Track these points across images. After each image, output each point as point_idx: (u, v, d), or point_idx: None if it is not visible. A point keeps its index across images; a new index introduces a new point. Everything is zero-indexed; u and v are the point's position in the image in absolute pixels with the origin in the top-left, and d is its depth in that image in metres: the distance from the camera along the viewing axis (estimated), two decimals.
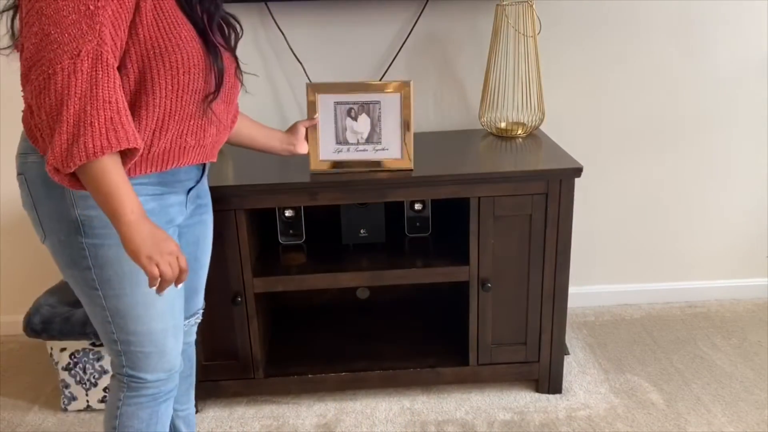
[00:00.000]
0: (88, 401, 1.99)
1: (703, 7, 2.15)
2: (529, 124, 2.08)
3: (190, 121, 1.22)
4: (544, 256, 1.85)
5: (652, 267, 2.46)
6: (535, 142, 2.05)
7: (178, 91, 1.16)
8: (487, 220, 1.81)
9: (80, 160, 1.02)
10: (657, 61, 2.21)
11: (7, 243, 2.29)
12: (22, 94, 1.11)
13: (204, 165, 1.39)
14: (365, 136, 1.77)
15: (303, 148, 1.71)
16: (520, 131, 2.08)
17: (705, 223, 2.41)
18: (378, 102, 1.75)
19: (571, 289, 1.92)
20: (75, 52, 1.02)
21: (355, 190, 1.78)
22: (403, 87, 1.74)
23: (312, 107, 1.76)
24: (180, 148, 1.23)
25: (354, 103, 1.75)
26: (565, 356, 2.01)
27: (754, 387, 2.01)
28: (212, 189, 1.74)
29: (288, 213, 2.05)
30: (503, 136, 2.10)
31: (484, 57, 2.10)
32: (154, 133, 1.17)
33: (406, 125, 1.76)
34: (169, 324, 1.30)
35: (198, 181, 1.37)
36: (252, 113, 2.21)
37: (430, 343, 2.08)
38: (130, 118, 1.08)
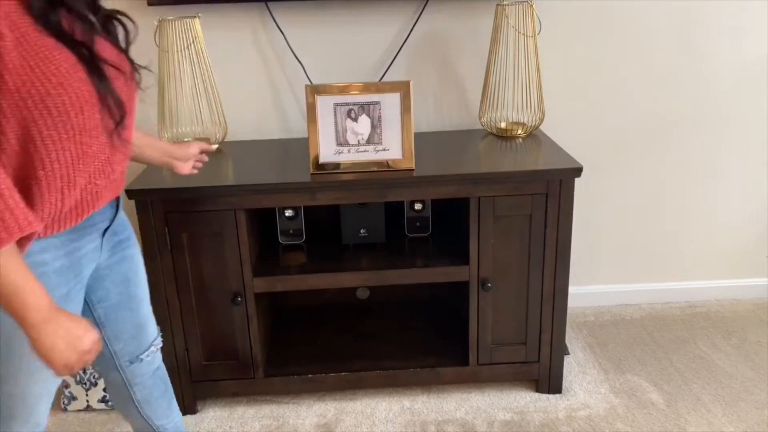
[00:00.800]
0: (88, 401, 1.99)
1: (704, 7, 2.15)
2: (529, 124, 2.08)
3: (96, 162, 1.05)
4: (544, 256, 1.85)
5: (652, 267, 2.46)
6: (535, 142, 2.05)
7: (75, 136, 0.98)
8: (487, 220, 1.81)
9: None
10: (657, 61, 2.21)
11: None
12: None
13: (117, 198, 1.23)
14: (366, 137, 1.76)
15: (183, 168, 1.51)
16: (520, 131, 2.08)
17: (705, 223, 2.41)
18: (378, 102, 1.74)
19: (571, 289, 1.93)
20: None
21: (355, 190, 1.78)
22: (403, 87, 1.73)
23: (312, 109, 1.75)
24: (91, 195, 1.07)
25: (354, 104, 1.74)
26: (565, 356, 2.01)
27: (754, 387, 2.01)
28: (213, 189, 1.75)
29: (288, 213, 2.05)
30: (503, 136, 2.10)
31: (484, 57, 2.10)
32: (62, 192, 1.00)
33: (406, 125, 1.74)
34: (46, 388, 1.15)
35: (113, 219, 1.21)
36: (252, 113, 2.23)
37: (430, 343, 2.08)
38: (16, 197, 0.91)
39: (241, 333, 1.89)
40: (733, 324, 2.35)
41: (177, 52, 1.94)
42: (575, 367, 2.13)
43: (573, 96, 2.23)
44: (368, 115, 1.74)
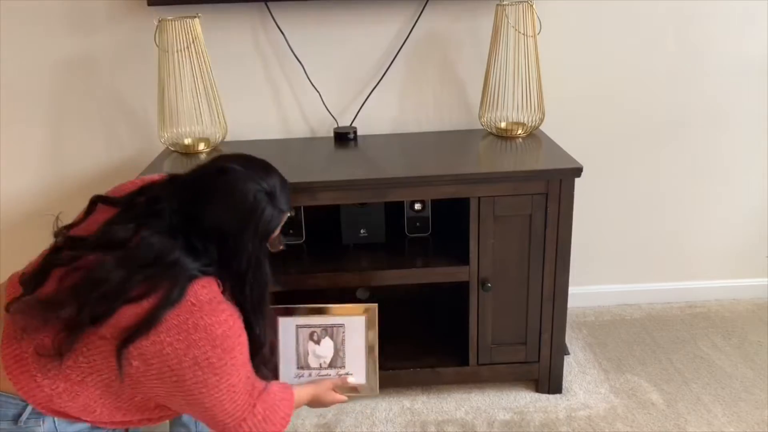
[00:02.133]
0: None
1: (704, 6, 2.15)
2: (529, 124, 2.08)
3: None
4: (544, 256, 1.85)
5: (652, 267, 2.46)
6: (535, 142, 2.05)
7: None
8: (487, 220, 1.81)
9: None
10: (657, 61, 2.21)
11: (7, 243, 2.29)
12: None
13: None
14: (328, 360, 1.64)
15: None
16: (520, 131, 2.08)
17: (705, 223, 2.41)
18: (342, 325, 1.64)
19: (571, 289, 1.92)
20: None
21: (355, 190, 1.78)
22: (368, 310, 1.64)
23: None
24: None
25: (317, 326, 1.64)
26: (565, 356, 2.01)
27: (754, 387, 2.01)
28: None
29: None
30: (503, 136, 2.10)
31: (484, 57, 2.10)
32: None
33: (370, 348, 1.64)
34: None
35: None
36: (252, 113, 2.23)
37: (430, 343, 2.08)
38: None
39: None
40: (733, 324, 2.35)
41: (177, 52, 1.94)
42: (575, 367, 2.13)
43: (573, 96, 2.23)
44: (331, 337, 1.64)
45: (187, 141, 2.06)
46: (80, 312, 1.07)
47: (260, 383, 1.26)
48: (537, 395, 2.00)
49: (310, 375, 1.63)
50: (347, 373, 1.63)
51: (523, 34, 1.97)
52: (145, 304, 1.09)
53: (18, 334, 1.12)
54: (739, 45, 2.20)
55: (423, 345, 2.08)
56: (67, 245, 1.17)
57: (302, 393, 1.44)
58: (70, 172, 2.22)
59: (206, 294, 1.15)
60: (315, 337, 1.65)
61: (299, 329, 1.64)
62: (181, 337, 1.10)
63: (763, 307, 2.44)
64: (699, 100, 2.26)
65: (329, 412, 1.95)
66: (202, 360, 1.11)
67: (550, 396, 1.99)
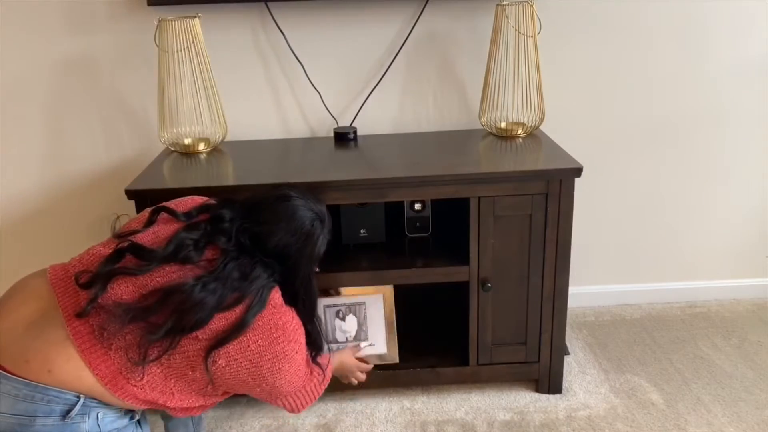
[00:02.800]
0: None
1: (703, 7, 2.15)
2: (529, 124, 2.08)
3: None
4: (544, 256, 1.85)
5: (652, 267, 2.46)
6: (535, 142, 2.05)
7: None
8: (487, 220, 1.81)
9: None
10: (657, 61, 2.21)
11: (7, 243, 2.29)
12: None
13: None
14: (353, 334, 1.91)
15: None
16: (520, 131, 2.08)
17: (705, 223, 2.41)
18: (363, 303, 1.91)
19: (571, 289, 1.92)
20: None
21: (355, 190, 1.78)
22: (385, 290, 1.92)
23: None
24: None
25: (342, 305, 1.90)
26: (565, 356, 2.01)
27: (754, 387, 2.01)
28: (213, 189, 1.75)
29: None
30: (503, 136, 2.09)
31: (484, 57, 2.10)
32: None
33: (389, 323, 1.91)
34: None
35: None
36: (252, 113, 2.23)
37: (430, 343, 2.08)
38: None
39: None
40: (733, 324, 2.35)
41: (177, 52, 1.94)
42: (575, 367, 2.13)
43: (573, 96, 2.23)
44: (355, 314, 1.90)
45: (187, 141, 2.06)
46: (179, 321, 1.20)
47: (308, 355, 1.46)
48: (537, 395, 2.00)
49: (337, 347, 1.87)
50: (370, 344, 1.90)
51: (523, 34, 1.97)
52: (237, 311, 1.25)
53: (96, 331, 1.19)
54: (739, 45, 2.20)
55: (423, 345, 2.08)
56: (133, 252, 1.26)
57: (333, 359, 1.64)
58: (70, 172, 2.22)
59: (278, 298, 1.33)
60: (340, 315, 1.90)
61: (326, 308, 1.91)
62: (264, 335, 1.27)
63: (763, 307, 2.44)
64: (699, 99, 2.26)
65: (329, 412, 1.95)
66: (280, 353, 1.29)
67: (550, 396, 1.99)
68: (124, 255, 1.26)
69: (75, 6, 2.05)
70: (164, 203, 1.43)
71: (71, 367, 1.17)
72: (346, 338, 1.90)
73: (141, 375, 1.20)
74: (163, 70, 1.96)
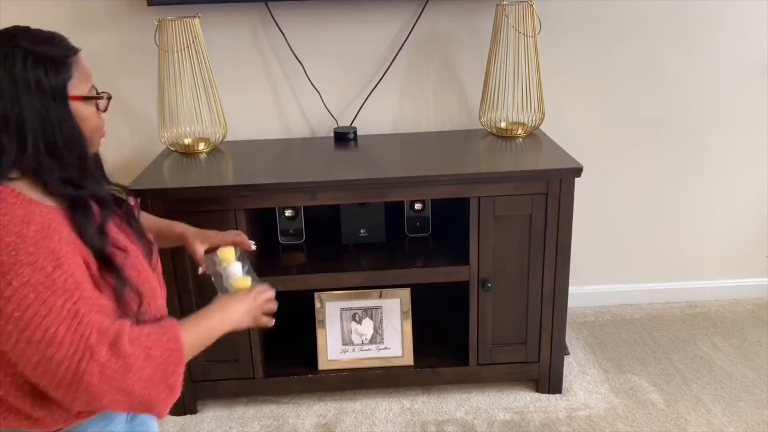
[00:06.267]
0: None
1: (703, 7, 2.15)
2: (529, 124, 2.08)
3: None
4: (544, 256, 1.85)
5: (652, 267, 2.46)
6: (535, 142, 2.05)
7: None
8: (487, 220, 1.81)
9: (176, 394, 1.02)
10: (657, 61, 2.21)
11: None
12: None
13: None
14: (369, 337, 1.96)
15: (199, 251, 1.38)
16: (520, 131, 2.08)
17: (705, 223, 2.41)
18: (380, 307, 1.95)
19: (571, 289, 1.92)
20: (88, 355, 0.92)
21: (355, 190, 1.78)
22: (402, 293, 1.94)
23: (320, 313, 1.96)
24: None
25: (359, 308, 1.94)
26: (565, 356, 2.01)
27: (754, 387, 2.01)
28: (213, 189, 1.75)
29: (288, 213, 2.05)
30: (503, 136, 2.10)
31: (484, 57, 2.10)
32: None
33: (405, 327, 1.95)
34: None
35: None
36: (252, 113, 2.23)
37: (430, 343, 2.08)
38: (154, 328, 1.02)
39: (241, 333, 1.88)
40: (733, 324, 2.35)
41: (177, 52, 1.94)
42: (575, 367, 2.13)
43: (573, 96, 2.23)
44: (371, 318, 1.95)
45: (187, 141, 2.06)
46: None
47: (111, 326, 0.96)
48: (537, 395, 2.00)
49: (353, 350, 1.93)
50: (386, 348, 1.93)
51: (523, 34, 1.97)
52: None
53: None
54: (739, 45, 2.20)
55: (423, 345, 2.08)
56: None
57: (202, 320, 1.11)
58: None
59: None
60: (357, 318, 1.94)
61: (343, 311, 1.93)
62: None
63: (763, 307, 2.44)
64: (699, 99, 2.26)
65: (329, 412, 1.95)
66: None
67: (550, 396, 1.99)
68: None
69: (75, 6, 2.05)
70: None
71: None
72: (362, 341, 1.94)
73: None
74: (163, 70, 1.96)
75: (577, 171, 1.77)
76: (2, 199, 0.94)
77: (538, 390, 2.01)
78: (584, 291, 2.45)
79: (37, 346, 0.90)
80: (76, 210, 1.01)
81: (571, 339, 2.28)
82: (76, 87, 1.03)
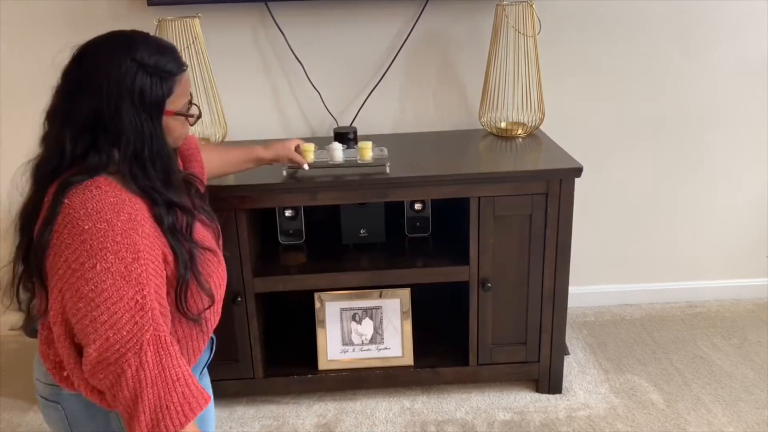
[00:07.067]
0: None
1: (703, 7, 2.15)
2: (529, 124, 2.08)
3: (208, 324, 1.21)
4: (544, 256, 1.85)
5: (652, 267, 2.46)
6: (535, 142, 2.05)
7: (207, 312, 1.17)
8: (487, 220, 1.81)
9: None
10: (657, 61, 2.21)
11: (8, 243, 2.28)
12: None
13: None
14: (369, 337, 1.96)
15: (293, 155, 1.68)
16: (520, 131, 2.08)
17: (705, 223, 2.41)
18: (380, 307, 1.95)
19: (571, 289, 1.92)
20: (137, 348, 0.99)
21: (355, 190, 1.78)
22: (402, 293, 1.94)
23: (320, 313, 1.96)
24: (204, 342, 1.24)
25: (359, 308, 1.95)
26: (565, 356, 2.01)
27: (754, 387, 2.01)
28: (213, 189, 1.75)
29: (288, 213, 2.05)
30: (503, 136, 2.10)
31: (484, 57, 2.10)
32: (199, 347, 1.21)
33: (405, 327, 1.95)
34: None
35: (211, 352, 1.37)
36: (252, 113, 2.23)
37: (430, 343, 2.08)
38: (195, 380, 1.06)
39: (241, 333, 1.89)
40: (733, 324, 2.35)
41: None
42: (575, 367, 2.13)
43: (573, 96, 2.23)
44: (371, 318, 1.96)
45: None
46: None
47: (164, 332, 1.03)
48: (537, 395, 2.00)
49: (353, 350, 1.94)
50: (386, 348, 1.94)
51: (523, 34, 1.97)
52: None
53: None
54: (739, 45, 2.20)
55: (423, 345, 2.08)
56: None
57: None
58: None
59: (77, 194, 1.05)
60: (357, 318, 1.95)
61: (343, 311, 1.94)
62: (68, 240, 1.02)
63: (763, 307, 2.44)
64: (699, 99, 2.26)
65: (329, 412, 1.95)
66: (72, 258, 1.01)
67: (550, 396, 1.99)
68: None
69: (75, 6, 2.05)
70: None
71: None
72: (362, 341, 1.94)
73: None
74: None
75: (577, 171, 1.77)
76: (97, 186, 1.03)
77: (538, 390, 2.01)
78: (584, 291, 2.45)
79: (100, 325, 0.98)
80: (158, 206, 1.08)
81: (571, 339, 2.28)
82: (173, 102, 1.10)
